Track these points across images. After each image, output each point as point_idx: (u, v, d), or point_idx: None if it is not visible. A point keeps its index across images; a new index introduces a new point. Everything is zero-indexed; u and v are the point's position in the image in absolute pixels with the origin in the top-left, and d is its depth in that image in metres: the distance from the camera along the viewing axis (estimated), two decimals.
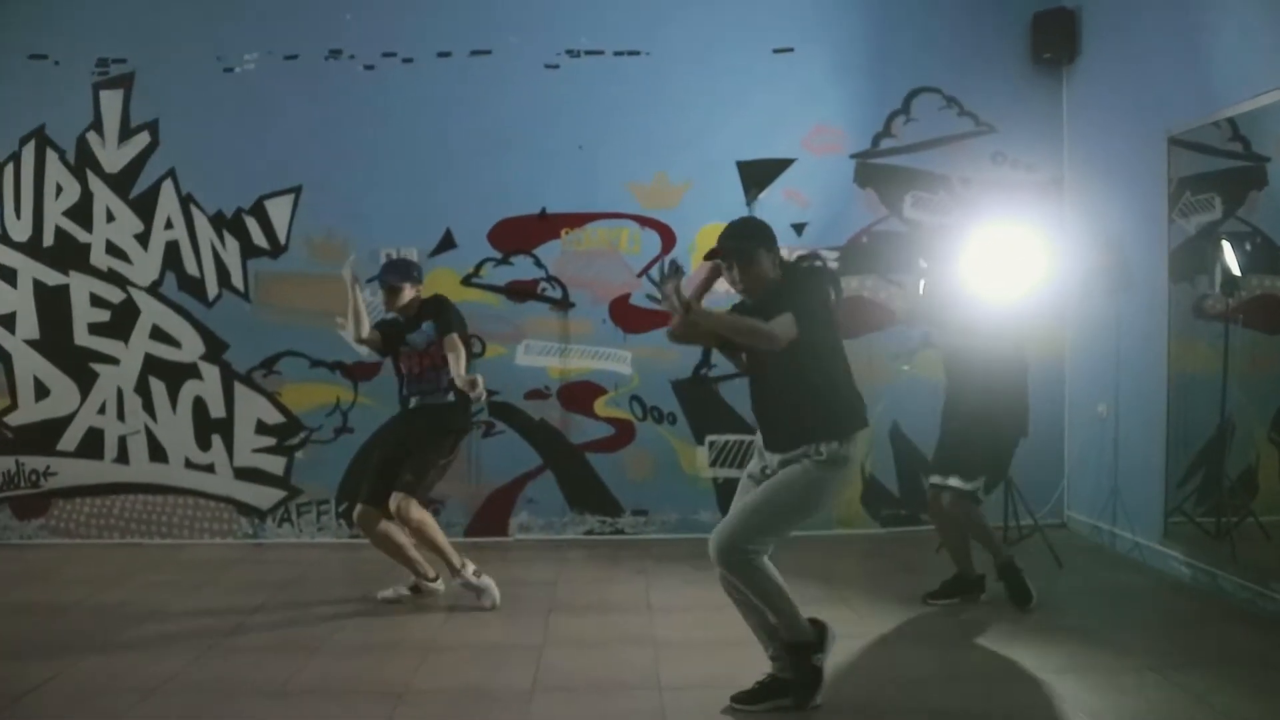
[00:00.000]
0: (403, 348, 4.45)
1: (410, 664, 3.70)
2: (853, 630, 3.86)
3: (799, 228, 5.70)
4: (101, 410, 5.69)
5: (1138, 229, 5.00)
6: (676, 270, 3.05)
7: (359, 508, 4.40)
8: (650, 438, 5.75)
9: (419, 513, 4.29)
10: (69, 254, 5.66)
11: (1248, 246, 4.41)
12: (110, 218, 5.66)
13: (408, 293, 4.40)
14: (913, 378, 5.60)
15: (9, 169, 5.64)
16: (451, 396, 4.35)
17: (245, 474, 5.74)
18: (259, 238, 5.68)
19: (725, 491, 5.65)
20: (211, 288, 5.70)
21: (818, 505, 3.12)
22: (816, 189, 5.71)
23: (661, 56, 5.67)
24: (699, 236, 5.56)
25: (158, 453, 5.71)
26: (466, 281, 5.69)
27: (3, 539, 5.70)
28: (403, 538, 4.53)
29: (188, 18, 5.62)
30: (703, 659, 3.72)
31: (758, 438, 3.25)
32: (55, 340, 5.67)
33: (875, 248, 5.76)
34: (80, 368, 5.68)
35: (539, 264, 5.72)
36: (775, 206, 5.58)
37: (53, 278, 5.67)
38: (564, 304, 5.73)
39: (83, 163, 5.65)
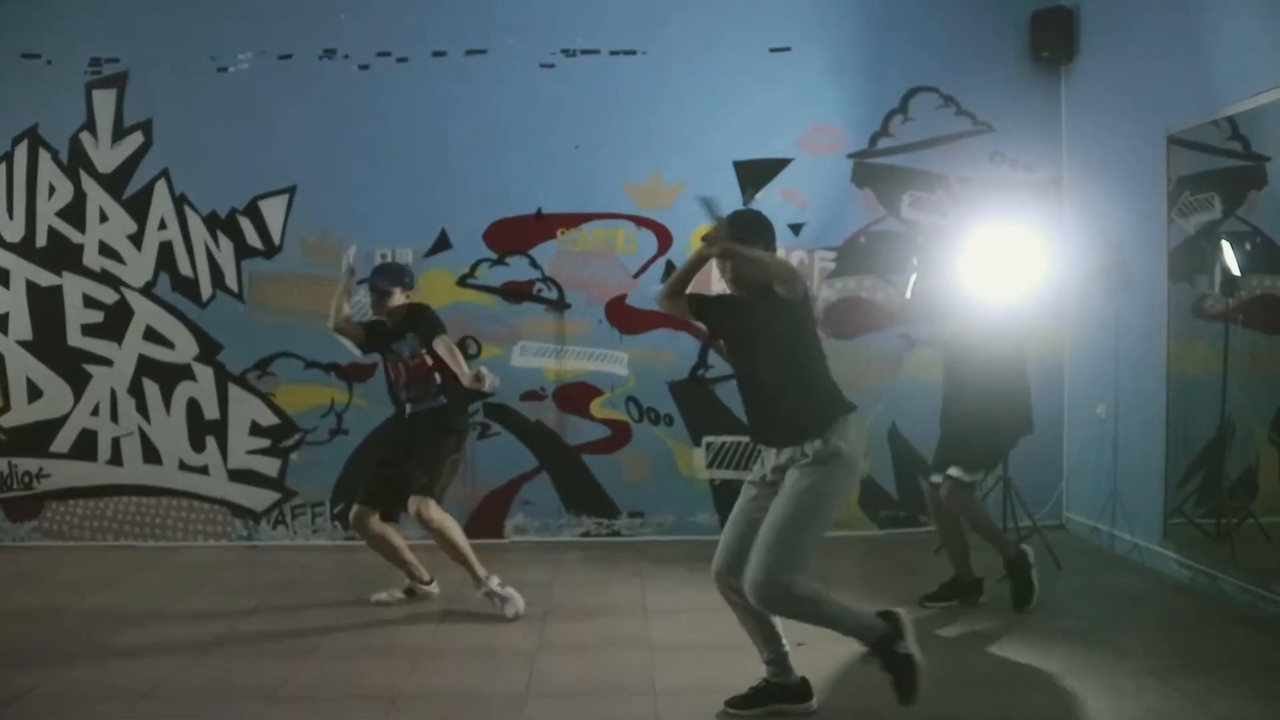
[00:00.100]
0: (389, 355, 4.43)
1: (403, 668, 3.67)
2: None
3: (796, 228, 5.67)
4: (95, 412, 5.66)
5: (1137, 228, 4.97)
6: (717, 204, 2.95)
7: (355, 507, 4.37)
8: (647, 439, 5.73)
9: (438, 514, 4.26)
10: (62, 255, 5.63)
11: (1247, 246, 4.39)
12: (103, 218, 5.64)
13: (397, 298, 4.38)
14: (911, 378, 5.56)
15: (1, 169, 5.61)
16: (443, 399, 4.33)
17: (239, 476, 5.71)
18: (253, 238, 5.65)
19: (722, 493, 5.63)
20: (205, 288, 5.67)
21: (832, 506, 3.00)
22: (814, 189, 5.68)
23: (658, 56, 5.64)
24: (695, 237, 5.53)
25: (151, 454, 5.68)
26: (462, 282, 5.66)
27: None
28: (398, 539, 4.50)
29: (181, 17, 5.58)
30: (698, 663, 3.69)
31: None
32: (48, 341, 5.64)
33: (873, 248, 5.73)
34: (73, 369, 5.65)
35: (535, 264, 5.69)
36: (772, 206, 5.54)
37: (46, 278, 5.63)
38: (560, 305, 5.70)
39: (76, 163, 5.62)
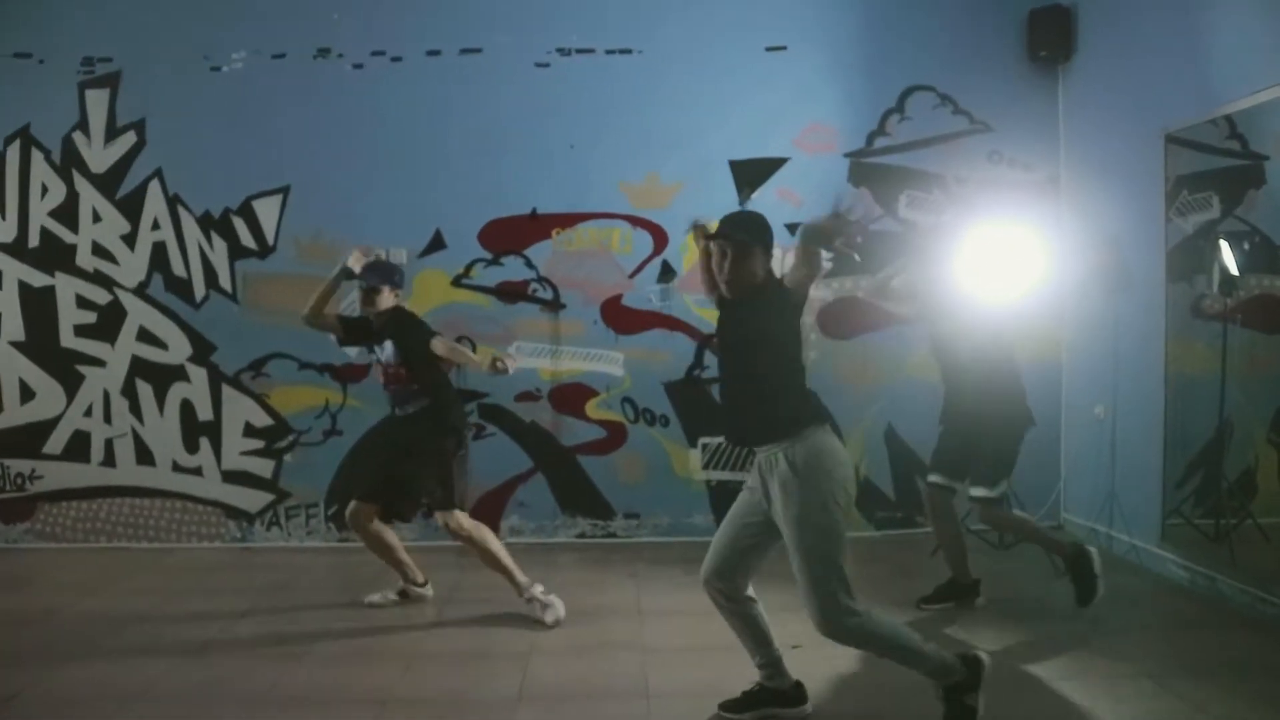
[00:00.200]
0: (373, 357, 4.38)
1: (395, 672, 3.64)
2: None
3: (792, 228, 5.63)
4: (88, 413, 5.63)
5: (1135, 228, 4.95)
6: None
7: (352, 504, 4.34)
8: (642, 440, 5.70)
9: (468, 522, 4.25)
10: (55, 255, 5.59)
11: (1246, 245, 4.37)
12: (96, 218, 5.60)
13: (385, 296, 4.30)
14: (908, 378, 5.53)
15: None
16: (426, 401, 4.27)
17: (233, 477, 5.68)
18: (247, 238, 5.62)
19: (718, 495, 5.60)
20: (199, 289, 5.64)
21: (831, 511, 2.89)
22: (810, 188, 5.64)
23: (654, 55, 5.61)
24: (691, 237, 5.48)
25: (145, 456, 5.65)
26: (456, 282, 5.63)
27: None
28: (393, 539, 4.48)
29: (174, 16, 5.55)
30: (691, 666, 3.66)
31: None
32: (41, 342, 5.61)
33: (869, 248, 5.69)
34: (66, 370, 5.61)
35: (530, 265, 5.66)
36: (768, 206, 5.47)
37: (38, 279, 5.60)
38: (555, 305, 5.67)
39: (68, 163, 5.58)
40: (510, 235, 5.64)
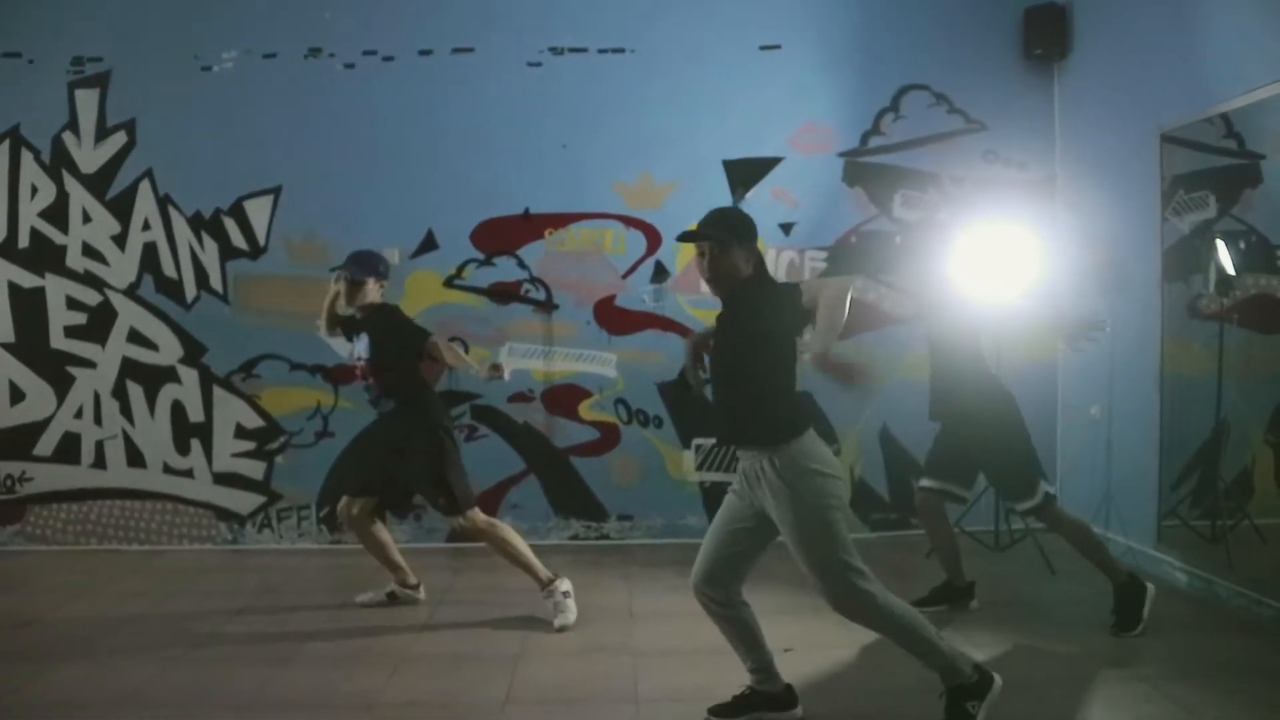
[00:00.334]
0: (350, 349, 4.34)
1: (383, 675, 3.61)
2: (836, 639, 3.77)
3: (786, 227, 5.62)
4: (78, 414, 5.59)
5: (1131, 227, 4.92)
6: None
7: (344, 499, 4.31)
8: (636, 441, 5.66)
9: (483, 520, 4.18)
10: (44, 256, 5.55)
11: (1242, 245, 4.34)
12: (86, 219, 5.57)
13: (371, 289, 4.22)
14: (902, 379, 5.50)
15: None
16: (404, 398, 4.21)
17: (224, 479, 5.64)
18: (238, 239, 5.59)
19: (712, 496, 5.58)
20: (190, 290, 5.60)
21: (829, 511, 2.86)
22: (805, 188, 5.62)
23: (647, 54, 5.58)
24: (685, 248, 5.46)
25: (135, 458, 5.61)
26: (449, 283, 5.60)
27: None
28: (386, 537, 4.46)
29: (165, 16, 5.51)
30: (682, 669, 3.63)
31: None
32: (31, 343, 5.56)
33: (864, 248, 5.67)
34: (56, 371, 5.57)
35: (522, 265, 5.62)
36: (763, 206, 5.49)
37: (28, 280, 5.56)
38: (548, 306, 5.64)
39: (58, 163, 5.55)
40: (503, 235, 5.61)
